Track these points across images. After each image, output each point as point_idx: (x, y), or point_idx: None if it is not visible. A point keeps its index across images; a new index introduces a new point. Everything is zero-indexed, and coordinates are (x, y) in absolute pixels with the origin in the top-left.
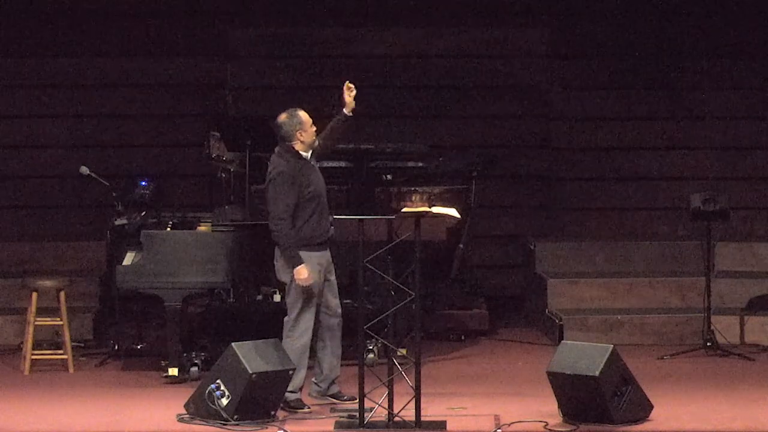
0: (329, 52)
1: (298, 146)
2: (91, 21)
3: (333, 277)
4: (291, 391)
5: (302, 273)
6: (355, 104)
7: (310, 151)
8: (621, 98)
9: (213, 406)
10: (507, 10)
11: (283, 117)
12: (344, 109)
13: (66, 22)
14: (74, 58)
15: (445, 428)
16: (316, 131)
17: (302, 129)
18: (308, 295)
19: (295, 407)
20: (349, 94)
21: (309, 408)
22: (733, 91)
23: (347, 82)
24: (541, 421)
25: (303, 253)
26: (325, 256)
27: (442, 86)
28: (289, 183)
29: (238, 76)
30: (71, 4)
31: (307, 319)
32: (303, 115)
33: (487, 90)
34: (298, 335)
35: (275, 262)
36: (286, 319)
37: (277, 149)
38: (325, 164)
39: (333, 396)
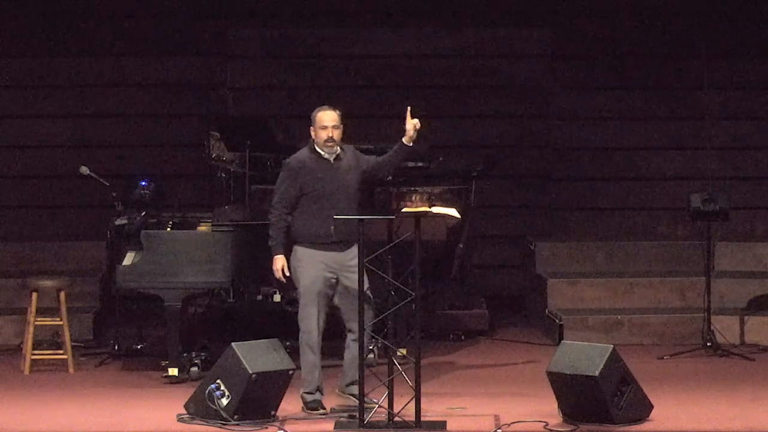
0: (329, 52)
1: (318, 143)
2: (91, 21)
3: (352, 284)
4: (307, 392)
5: (275, 263)
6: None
7: (335, 152)
8: (621, 98)
9: (213, 406)
10: (507, 10)
11: None
12: (403, 138)
13: (66, 22)
14: (74, 58)
15: (445, 428)
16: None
17: (314, 126)
18: (311, 292)
19: (311, 409)
20: (410, 122)
21: (325, 410)
22: (733, 91)
23: (409, 107)
24: (541, 421)
25: (303, 249)
26: (332, 257)
27: (442, 86)
28: (289, 176)
29: (238, 76)
30: (71, 4)
31: (308, 317)
32: (320, 115)
33: (487, 90)
34: (301, 333)
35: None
36: None
37: None
38: None
39: (352, 395)
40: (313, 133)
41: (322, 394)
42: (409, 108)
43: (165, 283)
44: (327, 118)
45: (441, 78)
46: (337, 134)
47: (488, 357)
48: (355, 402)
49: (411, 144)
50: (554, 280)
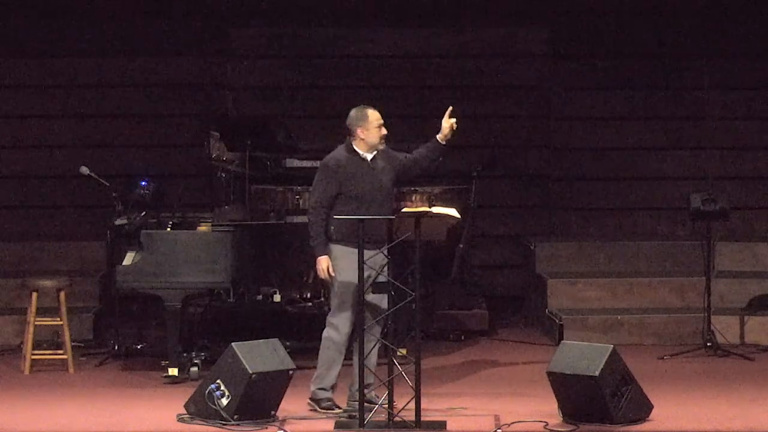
0: (329, 52)
1: (357, 143)
2: (91, 21)
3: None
4: (321, 389)
5: (320, 263)
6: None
7: (373, 153)
8: (621, 98)
9: (213, 406)
10: (507, 10)
11: (352, 110)
12: (438, 135)
13: (66, 22)
14: (74, 58)
15: (445, 428)
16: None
17: (364, 126)
18: (349, 294)
19: (325, 408)
20: (447, 121)
21: (340, 409)
22: (733, 91)
23: (451, 107)
24: (541, 421)
25: (341, 248)
26: (367, 255)
27: (442, 86)
28: (327, 176)
29: (238, 76)
30: (71, 4)
31: (343, 317)
32: (372, 113)
33: (487, 90)
34: (330, 331)
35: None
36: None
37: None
38: None
39: (367, 401)
40: (360, 133)
41: (333, 392)
42: (450, 108)
43: (165, 283)
44: (379, 116)
45: (441, 78)
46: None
47: (488, 357)
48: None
49: (445, 143)
50: (554, 280)
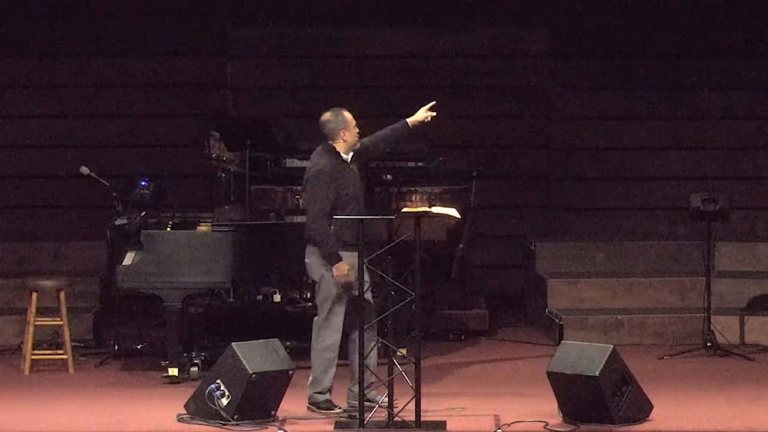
0: (329, 52)
1: (339, 146)
2: (91, 21)
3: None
4: (319, 392)
5: (341, 269)
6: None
7: (351, 153)
8: (621, 98)
9: (213, 406)
10: (507, 10)
11: (327, 115)
12: (408, 119)
13: (66, 22)
14: (74, 58)
15: (445, 428)
16: (358, 133)
17: (346, 128)
18: (340, 294)
19: (326, 408)
20: (425, 112)
21: (340, 408)
22: (733, 91)
23: (434, 103)
24: (541, 421)
25: (341, 254)
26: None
27: (442, 86)
28: (327, 182)
29: (238, 76)
30: (71, 4)
31: (338, 319)
32: (348, 114)
33: (487, 90)
34: (328, 334)
35: (306, 260)
36: (315, 318)
37: (318, 148)
38: None
39: (367, 400)
40: (343, 135)
41: (330, 395)
42: (433, 103)
43: (165, 283)
44: (353, 117)
45: (441, 78)
46: None
47: (488, 357)
48: (371, 404)
49: (411, 127)
50: (554, 280)
